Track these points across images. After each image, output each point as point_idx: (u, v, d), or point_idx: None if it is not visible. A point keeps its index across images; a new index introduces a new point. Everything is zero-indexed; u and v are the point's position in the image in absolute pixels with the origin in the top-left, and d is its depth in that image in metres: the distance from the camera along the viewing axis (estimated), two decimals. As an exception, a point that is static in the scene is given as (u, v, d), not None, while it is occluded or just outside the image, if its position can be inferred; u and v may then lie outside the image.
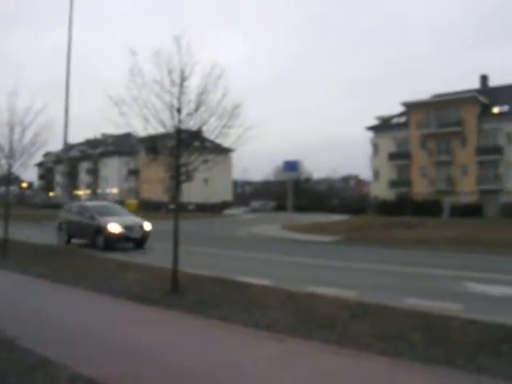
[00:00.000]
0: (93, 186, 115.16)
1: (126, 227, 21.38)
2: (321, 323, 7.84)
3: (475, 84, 66.69)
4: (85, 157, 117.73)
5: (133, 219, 22.87)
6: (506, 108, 59.95)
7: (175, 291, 10.22)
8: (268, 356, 6.44)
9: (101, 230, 21.16)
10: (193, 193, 75.40)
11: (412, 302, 9.85)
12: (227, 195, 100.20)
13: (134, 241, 21.84)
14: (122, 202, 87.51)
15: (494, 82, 66.75)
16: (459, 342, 6.84)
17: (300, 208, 63.09)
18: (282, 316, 8.32)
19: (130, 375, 5.64)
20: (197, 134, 10.70)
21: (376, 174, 67.35)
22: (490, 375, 5.73)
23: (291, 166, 39.59)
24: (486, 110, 60.78)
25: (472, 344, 6.76)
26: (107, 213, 22.79)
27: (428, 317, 8.20)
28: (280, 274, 14.42)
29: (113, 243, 21.06)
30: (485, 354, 6.39)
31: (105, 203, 28.24)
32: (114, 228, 21.15)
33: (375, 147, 67.13)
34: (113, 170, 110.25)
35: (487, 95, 62.20)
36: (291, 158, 47.43)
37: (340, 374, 5.87)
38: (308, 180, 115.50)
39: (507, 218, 47.38)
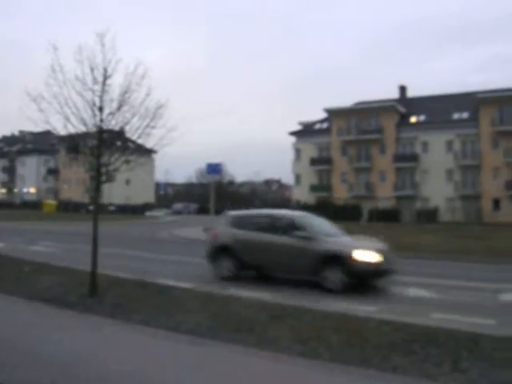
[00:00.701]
0: (9, 184, 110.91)
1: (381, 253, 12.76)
2: (241, 326, 7.88)
3: (395, 94, 69.08)
4: (0, 154, 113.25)
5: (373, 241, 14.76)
6: (422, 118, 62.40)
7: (93, 294, 9.98)
8: (188, 360, 6.42)
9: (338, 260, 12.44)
10: (114, 194, 74.10)
11: (328, 303, 10.08)
12: (149, 197, 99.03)
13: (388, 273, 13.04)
14: (38, 203, 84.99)
15: (412, 92, 69.51)
16: (374, 342, 7.05)
17: (223, 211, 62.99)
18: (203, 319, 8.30)
19: (45, 383, 5.46)
20: (119, 134, 10.52)
21: (297, 178, 68.39)
22: (403, 373, 5.95)
23: (214, 168, 39.51)
24: (404, 119, 63.04)
25: (386, 344, 6.99)
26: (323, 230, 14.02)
27: (346, 318, 8.41)
28: (202, 277, 14.37)
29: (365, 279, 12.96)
30: (398, 353, 6.63)
31: (303, 213, 15.78)
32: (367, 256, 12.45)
33: (297, 152, 68.16)
34: (31, 169, 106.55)
35: (405, 105, 64.51)
36: (215, 160, 47.33)
37: (258, 377, 5.91)
38: (231, 183, 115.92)
39: (422, 223, 49.24)
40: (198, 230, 35.53)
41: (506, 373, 5.96)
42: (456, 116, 60.61)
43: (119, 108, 9.75)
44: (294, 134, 69.75)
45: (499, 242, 26.80)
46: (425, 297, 12.00)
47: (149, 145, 10.70)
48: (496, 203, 56.42)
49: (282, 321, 8.26)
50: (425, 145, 60.63)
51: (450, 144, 59.34)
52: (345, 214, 53.81)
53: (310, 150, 66.52)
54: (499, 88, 57.66)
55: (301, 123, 71.89)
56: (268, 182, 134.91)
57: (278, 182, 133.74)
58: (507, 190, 55.38)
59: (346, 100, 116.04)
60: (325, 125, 67.91)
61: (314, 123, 69.87)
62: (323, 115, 68.30)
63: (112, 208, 74.93)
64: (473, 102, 57.44)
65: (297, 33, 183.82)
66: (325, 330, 7.65)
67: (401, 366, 6.14)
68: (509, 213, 54.95)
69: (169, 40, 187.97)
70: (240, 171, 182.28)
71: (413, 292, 12.49)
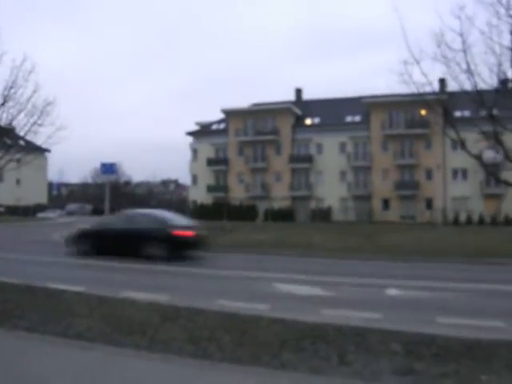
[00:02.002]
0: None
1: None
2: (133, 329, 7.73)
3: (291, 97, 70.50)
4: None
5: None
6: (317, 120, 64.19)
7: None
8: (76, 365, 6.21)
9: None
10: (3, 194, 70.56)
11: (223, 304, 10.11)
12: (42, 197, 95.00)
13: None
14: None
15: (308, 95, 71.21)
16: (265, 341, 7.14)
17: (118, 211, 61.69)
18: (93, 323, 8.06)
19: None
20: (7, 131, 10.03)
21: (194, 178, 68.24)
22: (292, 369, 6.07)
23: (108, 168, 38.62)
24: (299, 121, 64.53)
25: (277, 341, 7.10)
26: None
27: (237, 317, 8.46)
28: (95, 279, 14.00)
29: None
30: (288, 350, 6.75)
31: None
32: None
33: (194, 152, 68.01)
34: None
35: (301, 107, 66.06)
36: (111, 159, 46.39)
37: (148, 380, 5.83)
38: (127, 183, 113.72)
39: (316, 223, 50.64)
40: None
41: (387, 363, 6.24)
42: (349, 119, 62.89)
43: (4, 103, 9.30)
44: (190, 134, 69.52)
45: (387, 240, 28.07)
46: (316, 294, 12.32)
47: (38, 142, 10.29)
48: (385, 203, 59.04)
49: (174, 322, 8.18)
50: (319, 146, 62.38)
51: (343, 146, 61.43)
52: (241, 214, 54.46)
53: (207, 151, 66.56)
54: (389, 94, 60.23)
55: (198, 123, 71.77)
56: (165, 183, 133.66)
57: (176, 182, 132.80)
58: (396, 190, 58.10)
59: (245, 101, 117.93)
60: (222, 125, 68.21)
61: (211, 124, 70.00)
62: (220, 116, 68.58)
63: (0, 209, 71.28)
64: (364, 106, 59.79)
65: (198, 35, 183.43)
66: (217, 329, 7.65)
67: (290, 363, 6.25)
68: (397, 212, 57.70)
69: (70, 39, 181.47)
70: (137, 171, 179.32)
71: (305, 290, 12.78)
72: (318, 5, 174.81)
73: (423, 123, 52.52)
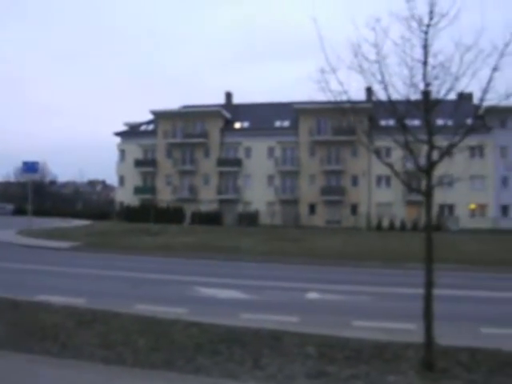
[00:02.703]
0: None
1: None
2: (46, 334, 7.51)
3: (222, 100, 70.51)
4: None
5: None
6: (246, 124, 64.48)
7: None
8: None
9: None
10: None
11: (142, 308, 9.98)
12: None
13: None
14: None
15: (238, 100, 71.39)
16: (181, 344, 7.10)
17: (43, 212, 59.95)
18: (3, 329, 7.78)
19: None
20: None
21: (121, 179, 67.08)
22: (206, 374, 6.05)
23: (30, 166, 37.42)
24: (228, 125, 64.61)
25: (193, 345, 7.07)
26: None
27: (154, 321, 8.38)
28: (9, 283, 13.52)
29: None
30: (204, 354, 6.73)
31: None
32: None
33: (122, 153, 66.87)
34: None
35: (231, 111, 66.18)
36: (35, 158, 44.85)
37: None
38: (53, 182, 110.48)
39: (243, 227, 50.82)
40: (11, 233, 33.41)
41: (301, 366, 6.32)
42: (278, 124, 63.46)
43: None
44: (118, 134, 68.34)
45: (312, 244, 28.51)
46: (237, 298, 12.36)
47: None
48: (312, 208, 59.93)
49: (89, 326, 8.01)
50: (248, 150, 62.66)
51: (271, 150, 61.91)
52: (168, 217, 53.94)
53: (135, 152, 65.60)
54: (317, 100, 61.13)
55: (126, 124, 70.62)
56: (92, 183, 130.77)
57: (103, 182, 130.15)
58: (322, 195, 59.07)
59: (176, 103, 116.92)
60: (150, 127, 67.38)
61: (140, 124, 69.06)
62: (150, 117, 67.77)
63: None
64: (294, 111, 60.53)
65: (131, 34, 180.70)
66: (132, 333, 7.55)
67: (204, 367, 6.23)
68: (323, 217, 58.70)
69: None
70: (64, 171, 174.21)
71: (226, 293, 12.81)
72: (255, 10, 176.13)
73: (350, 130, 53.74)
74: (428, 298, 6.52)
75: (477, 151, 53.90)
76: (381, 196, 57.95)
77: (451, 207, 55.70)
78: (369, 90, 7.93)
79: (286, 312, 10.36)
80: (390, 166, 7.04)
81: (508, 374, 6.33)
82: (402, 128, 6.56)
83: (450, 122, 6.93)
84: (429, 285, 6.56)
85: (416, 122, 6.75)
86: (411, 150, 6.55)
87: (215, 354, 6.73)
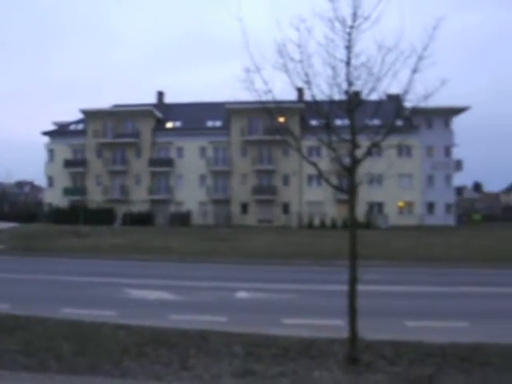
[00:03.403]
0: None
1: None
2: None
3: (154, 99, 69.65)
4: None
5: None
6: (178, 124, 63.97)
7: None
8: None
9: None
10: None
11: (68, 312, 9.73)
12: None
13: None
14: None
15: (170, 99, 70.70)
16: (107, 348, 6.96)
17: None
18: None
19: None
20: None
21: (50, 180, 65.21)
22: (132, 377, 5.96)
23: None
24: (160, 125, 63.90)
25: (119, 348, 6.94)
26: None
27: (80, 325, 8.18)
28: None
29: None
30: (130, 357, 6.62)
31: None
32: None
33: (51, 153, 65.02)
34: None
35: (163, 111, 65.49)
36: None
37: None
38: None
39: (175, 227, 50.44)
40: None
41: (227, 365, 6.33)
42: (210, 124, 63.28)
43: None
44: (47, 134, 66.40)
45: (244, 244, 28.61)
46: (166, 299, 12.25)
47: None
48: (244, 207, 60.10)
49: (11, 333, 7.74)
50: (180, 150, 62.20)
51: (203, 150, 61.69)
52: (99, 218, 52.90)
53: (65, 152, 63.92)
54: (249, 100, 61.36)
55: (55, 123, 68.72)
56: (20, 184, 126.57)
57: (31, 183, 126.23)
58: (254, 194, 59.33)
59: (106, 103, 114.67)
60: (80, 126, 65.83)
61: (69, 124, 67.35)
62: (80, 116, 66.20)
63: None
64: (225, 111, 60.53)
65: (62, 32, 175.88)
66: (57, 339, 7.34)
67: (131, 370, 6.14)
68: (255, 216, 58.99)
69: None
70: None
71: (156, 295, 12.66)
72: (187, 12, 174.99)
73: (282, 130, 54.10)
74: (352, 294, 6.67)
75: (404, 150, 55.58)
76: (312, 195, 58.76)
77: (380, 205, 57.10)
78: (300, 91, 8.03)
79: (215, 312, 10.34)
80: (315, 164, 7.15)
81: (428, 364, 6.55)
82: (327, 127, 6.67)
83: (376, 122, 7.11)
84: (353, 281, 6.70)
85: (346, 122, 6.85)
86: (334, 149, 6.67)
87: (142, 357, 6.64)
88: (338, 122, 7.16)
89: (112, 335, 7.61)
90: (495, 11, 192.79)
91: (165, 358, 6.60)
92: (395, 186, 55.16)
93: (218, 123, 63.03)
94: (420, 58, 6.50)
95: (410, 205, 58.19)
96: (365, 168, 6.96)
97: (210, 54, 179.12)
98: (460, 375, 6.20)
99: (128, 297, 12.44)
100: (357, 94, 6.87)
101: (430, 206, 58.05)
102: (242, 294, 12.92)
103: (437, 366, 6.47)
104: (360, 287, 6.73)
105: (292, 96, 8.18)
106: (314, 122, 9.96)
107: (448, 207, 58.47)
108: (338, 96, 6.83)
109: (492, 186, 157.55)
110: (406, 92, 6.68)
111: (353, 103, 6.77)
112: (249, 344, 7.22)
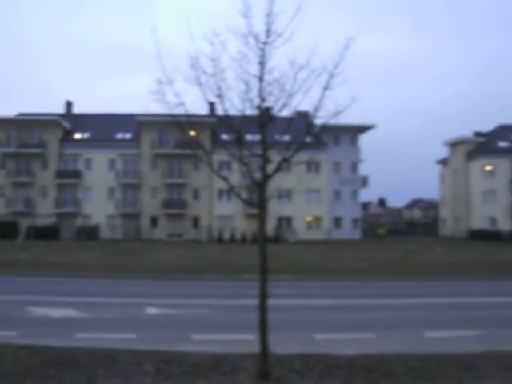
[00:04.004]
0: None
1: None
2: None
3: (62, 109, 67.47)
4: None
5: None
6: (87, 135, 62.33)
7: None
8: None
9: None
10: None
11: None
12: None
13: None
14: None
15: (80, 110, 68.70)
16: (8, 370, 6.60)
17: None
18: None
19: None
20: None
21: None
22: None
23: None
24: (68, 135, 62.03)
25: (21, 370, 6.60)
26: None
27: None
28: None
29: None
30: (33, 379, 6.31)
31: None
32: None
33: None
34: None
35: (71, 121, 63.60)
36: None
37: None
38: None
39: (82, 241, 49.00)
40: None
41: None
42: (120, 136, 62.09)
43: None
44: None
45: (153, 258, 28.18)
46: (72, 316, 11.81)
47: None
48: (153, 221, 59.27)
49: None
50: (88, 162, 60.61)
51: (112, 162, 60.40)
52: (0, 232, 50.52)
53: (-37, 162, 60.78)
54: (159, 113, 60.73)
55: (-47, 132, 65.20)
56: None
57: None
58: (164, 208, 58.68)
59: (12, 111, 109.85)
60: (-20, 135, 62.83)
61: (-31, 133, 64.15)
62: (-21, 125, 63.18)
63: None
64: (136, 124, 59.64)
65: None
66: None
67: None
68: (165, 230, 58.31)
69: None
70: None
71: (60, 312, 12.18)
72: (99, 22, 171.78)
73: (192, 144, 53.92)
74: (263, 309, 6.67)
75: (313, 166, 56.85)
76: (222, 209, 58.84)
77: (289, 219, 58.01)
78: (212, 105, 8.01)
79: (122, 329, 10.08)
80: (225, 179, 7.14)
81: (336, 375, 6.65)
82: (238, 142, 6.68)
83: (287, 138, 7.19)
84: (263, 296, 6.72)
85: (257, 137, 6.88)
86: (246, 164, 6.70)
87: (46, 379, 6.35)
88: (249, 137, 7.20)
89: (13, 356, 7.23)
90: (406, 37, 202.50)
91: (70, 379, 6.34)
92: (304, 201, 56.25)
93: (129, 135, 61.99)
94: (331, 76, 6.65)
95: (317, 219, 59.47)
96: (275, 183, 7.02)
97: (124, 66, 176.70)
98: (367, 387, 6.34)
99: (30, 315, 11.89)
100: (268, 109, 6.94)
101: (337, 221, 59.59)
102: (151, 310, 12.67)
103: (345, 378, 6.58)
104: (270, 301, 6.75)
105: (204, 110, 8.15)
106: (225, 137, 9.97)
107: (354, 222, 60.26)
108: (249, 111, 6.86)
109: (395, 201, 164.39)
110: (317, 109, 6.81)
111: (264, 118, 6.83)
112: (159, 361, 7.06)
